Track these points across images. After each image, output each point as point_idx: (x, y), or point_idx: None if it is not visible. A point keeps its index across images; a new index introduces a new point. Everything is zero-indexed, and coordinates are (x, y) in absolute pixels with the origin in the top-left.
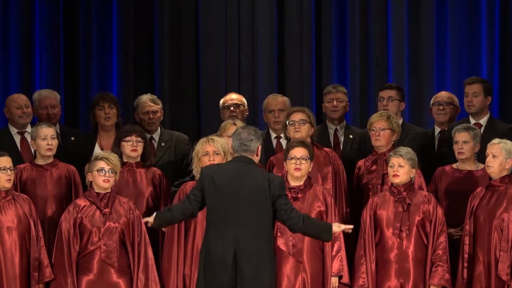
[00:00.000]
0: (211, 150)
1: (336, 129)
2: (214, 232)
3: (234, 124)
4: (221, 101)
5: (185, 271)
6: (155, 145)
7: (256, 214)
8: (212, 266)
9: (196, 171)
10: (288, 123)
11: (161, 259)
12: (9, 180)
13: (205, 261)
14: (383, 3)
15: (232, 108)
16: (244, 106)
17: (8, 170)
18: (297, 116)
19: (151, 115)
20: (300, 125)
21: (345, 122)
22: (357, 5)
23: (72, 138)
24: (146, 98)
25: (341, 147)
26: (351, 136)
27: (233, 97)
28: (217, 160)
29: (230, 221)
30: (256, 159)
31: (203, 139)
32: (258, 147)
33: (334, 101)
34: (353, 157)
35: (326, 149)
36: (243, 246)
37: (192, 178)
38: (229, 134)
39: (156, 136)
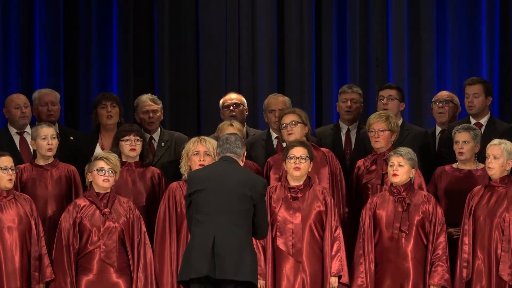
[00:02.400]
0: (202, 150)
1: (348, 129)
2: (197, 224)
3: (231, 125)
4: (221, 101)
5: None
6: (155, 145)
7: (238, 207)
8: (192, 255)
9: (184, 169)
10: (281, 126)
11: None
12: (11, 179)
13: (186, 252)
14: (383, 3)
15: (231, 107)
16: (243, 105)
17: (10, 170)
18: (288, 118)
19: (151, 115)
20: (292, 126)
21: (357, 122)
22: (357, 5)
23: (71, 138)
24: (146, 97)
25: (353, 147)
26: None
27: (233, 97)
28: (207, 160)
29: (212, 213)
30: (241, 164)
31: (194, 138)
32: (244, 153)
33: (348, 102)
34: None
35: (323, 149)
36: (223, 236)
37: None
38: None
39: (156, 136)
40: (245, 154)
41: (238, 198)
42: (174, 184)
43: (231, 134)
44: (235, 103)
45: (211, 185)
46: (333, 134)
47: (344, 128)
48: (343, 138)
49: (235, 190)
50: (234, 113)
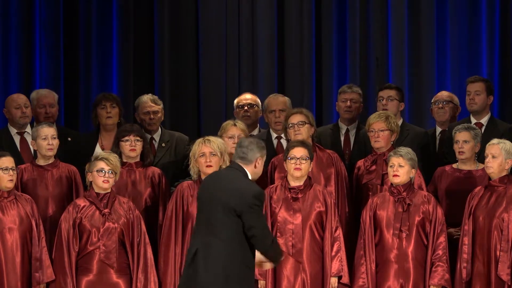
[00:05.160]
0: (208, 151)
1: (347, 129)
2: (193, 233)
3: (235, 124)
4: (235, 101)
5: (181, 271)
6: (156, 146)
7: (221, 220)
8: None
9: (193, 171)
10: (288, 125)
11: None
12: (11, 180)
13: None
14: (383, 3)
15: (246, 107)
16: (258, 106)
17: (10, 170)
18: (296, 118)
19: (151, 116)
20: (300, 126)
21: (357, 122)
22: (357, 5)
23: (69, 139)
24: (146, 98)
25: (351, 147)
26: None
27: (247, 97)
28: (214, 161)
29: (199, 225)
30: (254, 170)
31: (199, 140)
32: (257, 158)
33: (348, 102)
34: (363, 158)
35: (328, 150)
36: (206, 249)
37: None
38: (229, 135)
39: (156, 136)
40: (260, 158)
41: (223, 210)
42: (184, 184)
43: (247, 138)
44: (250, 104)
45: (204, 196)
46: (332, 134)
47: (343, 128)
48: (342, 138)
49: (221, 202)
50: (248, 114)
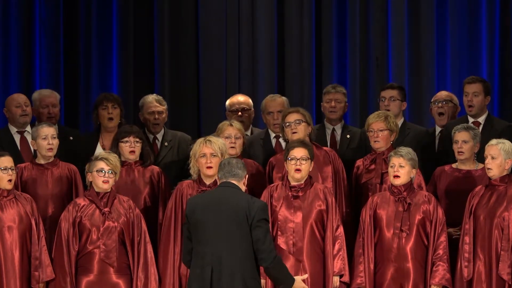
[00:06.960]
0: (209, 153)
1: (333, 129)
2: (196, 253)
3: (231, 125)
4: (228, 103)
5: (180, 270)
6: (158, 145)
7: (235, 237)
8: (191, 285)
9: (192, 170)
10: (284, 124)
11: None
12: (11, 180)
13: (187, 279)
14: (383, 3)
15: (240, 112)
16: (251, 109)
17: (10, 170)
18: (292, 117)
19: (156, 116)
20: (296, 125)
21: (343, 122)
22: (357, 5)
23: (71, 138)
24: (152, 98)
25: (338, 146)
26: (348, 136)
27: (241, 100)
28: (215, 162)
29: (210, 243)
30: (243, 188)
31: (200, 140)
32: (245, 175)
33: (333, 102)
34: (350, 157)
35: (325, 148)
36: (221, 268)
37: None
38: (226, 135)
39: (159, 136)
40: (245, 176)
41: (235, 228)
42: (184, 183)
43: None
44: (243, 108)
45: (209, 217)
46: (318, 134)
47: (329, 128)
48: (328, 138)
49: (232, 220)
50: (242, 119)
